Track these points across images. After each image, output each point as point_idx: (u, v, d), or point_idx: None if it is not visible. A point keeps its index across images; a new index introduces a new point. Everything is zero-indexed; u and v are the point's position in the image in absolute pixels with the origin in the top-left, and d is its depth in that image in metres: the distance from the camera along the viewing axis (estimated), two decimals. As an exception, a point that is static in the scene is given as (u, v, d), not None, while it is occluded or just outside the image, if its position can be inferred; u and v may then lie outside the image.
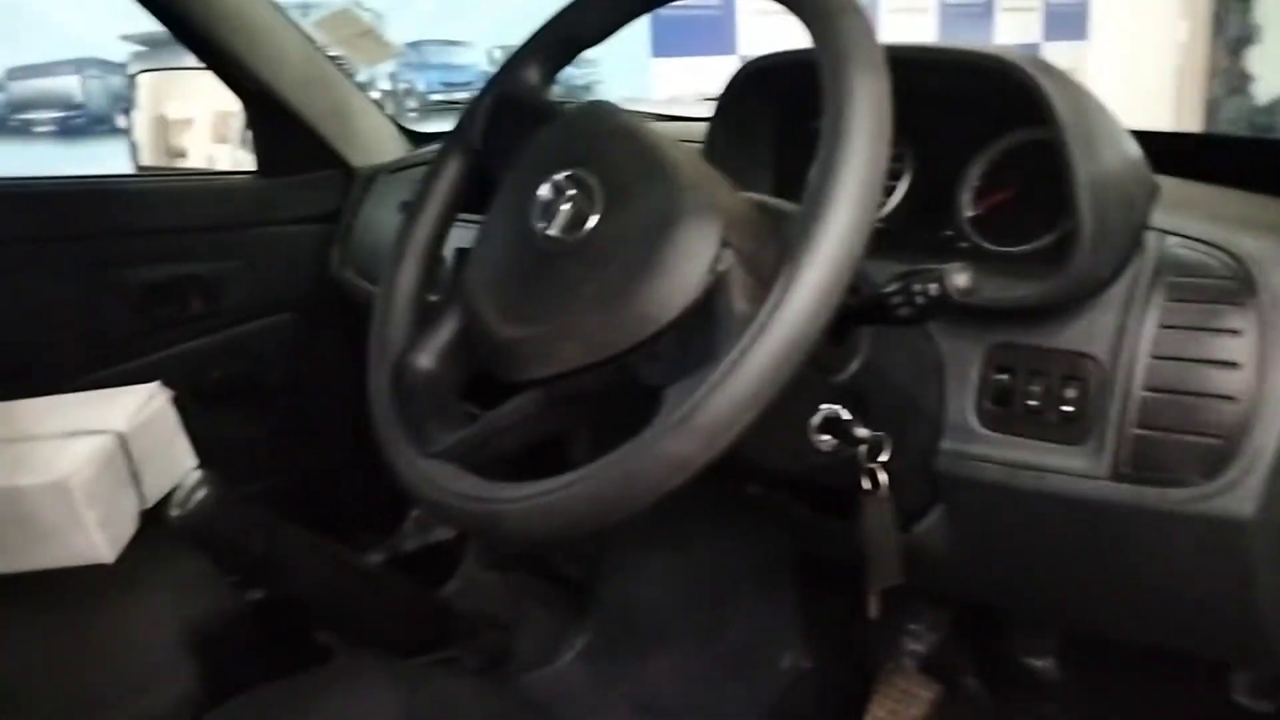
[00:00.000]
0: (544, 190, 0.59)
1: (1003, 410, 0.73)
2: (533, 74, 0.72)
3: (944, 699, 1.09)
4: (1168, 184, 0.76)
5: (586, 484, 0.51)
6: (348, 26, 1.59)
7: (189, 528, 0.79)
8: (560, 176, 0.59)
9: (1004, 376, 0.73)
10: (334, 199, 1.42)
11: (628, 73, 3.51)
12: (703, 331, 0.52)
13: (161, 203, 1.32)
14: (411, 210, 0.74)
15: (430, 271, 0.73)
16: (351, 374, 1.48)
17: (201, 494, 0.78)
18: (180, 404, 1.08)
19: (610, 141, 0.61)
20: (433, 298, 0.73)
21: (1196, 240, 0.69)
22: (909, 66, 0.57)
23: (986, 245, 0.81)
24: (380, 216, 1.35)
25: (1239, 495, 0.65)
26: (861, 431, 0.63)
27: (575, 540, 1.22)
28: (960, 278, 0.55)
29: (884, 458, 0.64)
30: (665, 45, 3.83)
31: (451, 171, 0.74)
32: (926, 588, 0.85)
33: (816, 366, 0.61)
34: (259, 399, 1.42)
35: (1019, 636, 1.07)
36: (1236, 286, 0.66)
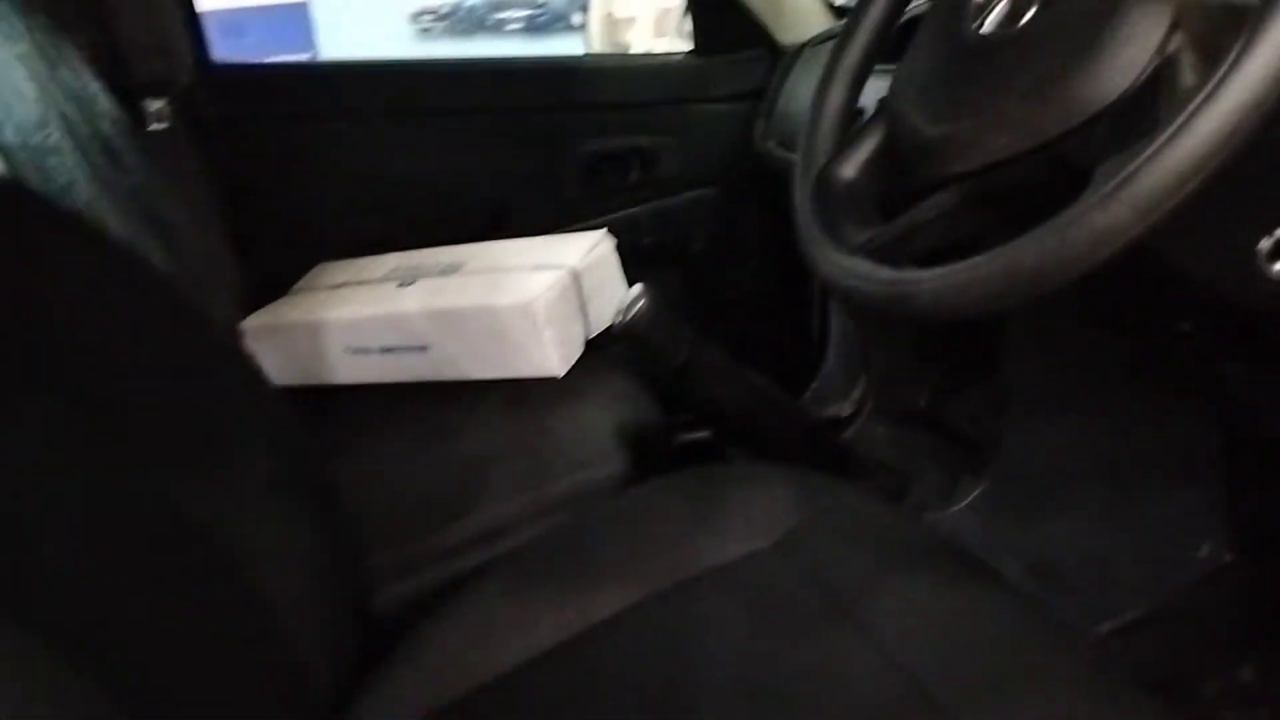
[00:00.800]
0: None
1: None
2: None
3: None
4: None
5: (1007, 257, 0.51)
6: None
7: (628, 333, 0.90)
8: None
9: None
10: (761, 76, 1.48)
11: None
12: (1143, 112, 0.50)
13: (608, 81, 1.47)
14: (846, 29, 0.76)
15: (856, 92, 0.75)
16: (765, 248, 1.57)
17: (642, 304, 0.89)
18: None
19: None
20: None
21: None
22: None
23: None
24: (803, 88, 1.38)
25: None
26: None
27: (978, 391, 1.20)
28: None
29: None
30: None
31: None
32: None
33: (1272, 181, 0.56)
34: (682, 265, 1.55)
35: None
36: None
